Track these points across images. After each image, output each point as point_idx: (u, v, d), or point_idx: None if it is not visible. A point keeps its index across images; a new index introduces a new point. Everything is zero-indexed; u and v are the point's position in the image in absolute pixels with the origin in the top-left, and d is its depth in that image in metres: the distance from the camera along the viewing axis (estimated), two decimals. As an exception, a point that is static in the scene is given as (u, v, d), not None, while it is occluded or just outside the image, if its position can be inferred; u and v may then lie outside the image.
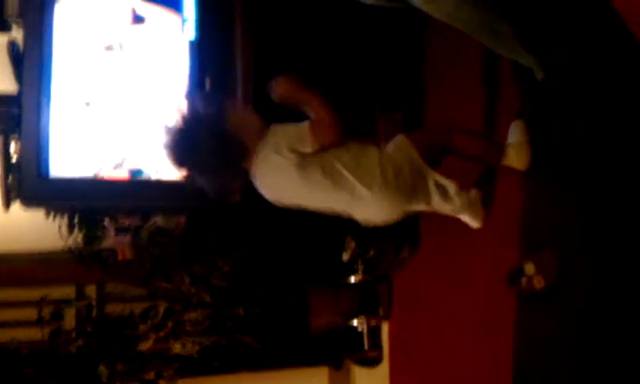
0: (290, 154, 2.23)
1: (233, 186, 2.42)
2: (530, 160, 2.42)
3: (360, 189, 2.26)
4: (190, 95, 2.97)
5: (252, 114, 2.37)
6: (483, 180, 2.64)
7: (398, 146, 2.34)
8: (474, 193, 2.49)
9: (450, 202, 2.39)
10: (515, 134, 2.45)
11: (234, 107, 2.46)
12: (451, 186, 2.38)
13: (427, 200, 2.38)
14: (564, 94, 2.06)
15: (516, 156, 2.42)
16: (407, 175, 2.29)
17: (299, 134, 2.25)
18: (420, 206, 2.39)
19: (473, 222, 2.54)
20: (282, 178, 2.29)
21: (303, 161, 2.24)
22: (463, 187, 2.42)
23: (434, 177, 2.35)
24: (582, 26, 1.95)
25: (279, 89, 2.33)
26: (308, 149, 2.24)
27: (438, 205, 2.40)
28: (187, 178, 2.43)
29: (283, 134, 2.28)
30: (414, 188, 2.33)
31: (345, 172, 2.26)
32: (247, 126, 2.29)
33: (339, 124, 2.27)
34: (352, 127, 2.35)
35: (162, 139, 2.32)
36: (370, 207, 2.30)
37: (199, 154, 2.26)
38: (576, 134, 2.12)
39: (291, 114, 2.34)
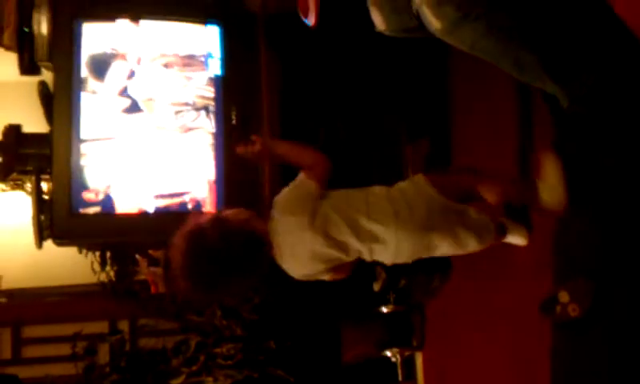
0: (298, 215, 2.14)
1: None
2: (567, 201, 2.28)
3: (374, 227, 2.17)
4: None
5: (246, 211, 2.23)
6: (516, 214, 2.57)
7: (413, 180, 2.27)
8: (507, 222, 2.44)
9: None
10: (549, 173, 2.30)
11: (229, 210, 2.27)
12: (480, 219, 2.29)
13: (453, 237, 2.25)
14: (590, 122, 2.02)
15: (551, 198, 2.29)
16: (423, 210, 2.19)
17: (295, 186, 2.19)
18: (444, 247, 2.27)
19: (518, 240, 2.45)
20: (297, 241, 2.17)
21: (314, 213, 2.15)
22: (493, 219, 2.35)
23: (458, 208, 2.25)
24: (607, 53, 1.92)
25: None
26: (312, 191, 2.16)
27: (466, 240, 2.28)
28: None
29: (286, 200, 2.20)
30: (433, 226, 2.21)
31: (356, 215, 2.17)
32: (251, 218, 2.17)
33: (326, 160, 2.21)
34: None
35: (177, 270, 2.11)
36: (389, 246, 2.20)
37: (229, 268, 2.09)
38: (605, 162, 2.08)
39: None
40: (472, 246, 2.30)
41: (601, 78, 1.91)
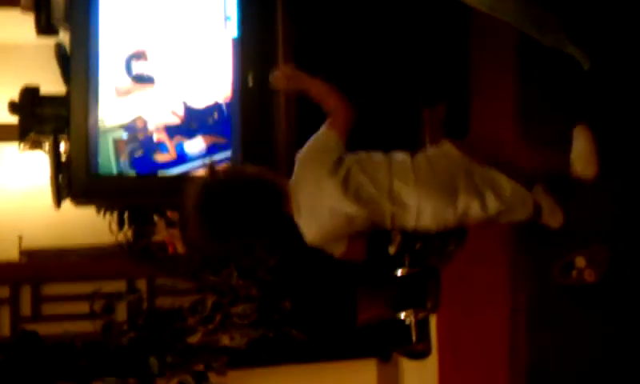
0: (317, 166, 2.13)
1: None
2: (598, 169, 2.28)
3: (396, 186, 2.16)
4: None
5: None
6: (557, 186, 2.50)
7: (439, 145, 2.25)
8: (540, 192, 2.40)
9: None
10: (580, 142, 2.29)
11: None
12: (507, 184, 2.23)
13: (480, 200, 2.21)
14: (612, 85, 2.00)
15: (583, 167, 2.28)
16: (445, 173, 2.17)
17: (317, 138, 2.16)
18: (473, 209, 2.22)
19: (552, 222, 2.44)
20: (316, 193, 2.15)
21: (335, 166, 2.14)
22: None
23: (486, 173, 2.21)
24: (628, 13, 1.89)
25: (279, 83, 2.28)
26: (332, 143, 2.14)
27: (495, 205, 2.22)
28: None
29: (306, 152, 2.18)
30: (457, 188, 2.18)
31: (378, 174, 2.16)
32: (268, 171, 2.15)
33: (349, 108, 2.18)
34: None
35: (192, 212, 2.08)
36: (411, 208, 2.18)
37: (242, 215, 2.05)
38: (623, 130, 2.06)
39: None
40: (501, 214, 2.25)
41: (623, 37, 1.88)
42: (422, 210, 2.18)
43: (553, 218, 2.43)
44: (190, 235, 2.12)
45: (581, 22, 1.89)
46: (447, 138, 2.26)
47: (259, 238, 2.20)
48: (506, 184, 2.22)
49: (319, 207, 2.14)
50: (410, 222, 2.22)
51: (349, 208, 2.13)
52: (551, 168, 2.37)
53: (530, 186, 2.33)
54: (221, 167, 2.21)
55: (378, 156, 2.21)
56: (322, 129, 2.18)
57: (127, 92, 2.98)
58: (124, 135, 2.96)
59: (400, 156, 2.22)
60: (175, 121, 3.02)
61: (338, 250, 2.24)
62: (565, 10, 1.87)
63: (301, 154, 2.18)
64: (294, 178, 2.15)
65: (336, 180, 2.12)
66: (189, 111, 3.03)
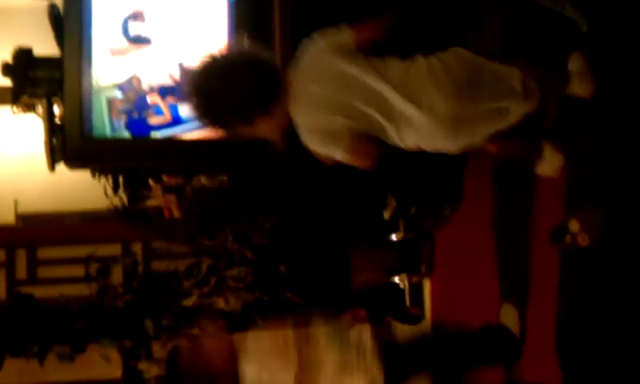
0: (328, 43, 2.10)
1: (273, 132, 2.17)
2: (595, 87, 2.35)
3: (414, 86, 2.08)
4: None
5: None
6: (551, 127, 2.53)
7: (451, 50, 2.18)
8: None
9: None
10: (576, 63, 2.37)
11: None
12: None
13: (495, 95, 2.14)
14: (610, 44, 1.99)
15: (580, 84, 2.36)
16: (461, 72, 2.10)
17: (336, 30, 2.14)
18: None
19: (550, 169, 2.44)
20: (319, 75, 2.09)
21: (345, 53, 2.08)
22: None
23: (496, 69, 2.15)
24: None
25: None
26: (345, 38, 2.10)
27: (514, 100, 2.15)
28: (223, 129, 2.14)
29: (315, 36, 2.15)
30: (472, 86, 2.11)
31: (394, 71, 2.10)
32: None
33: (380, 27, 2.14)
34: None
35: (188, 87, 2.09)
36: (422, 112, 2.09)
37: (234, 93, 2.01)
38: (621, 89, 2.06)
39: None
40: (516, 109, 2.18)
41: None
42: (434, 109, 2.09)
43: (584, 85, 2.40)
44: (189, 102, 2.07)
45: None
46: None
47: (254, 114, 2.08)
48: (517, 74, 2.17)
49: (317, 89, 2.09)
50: (421, 128, 2.12)
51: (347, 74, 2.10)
52: (550, 86, 2.33)
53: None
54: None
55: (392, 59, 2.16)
56: (343, 25, 2.15)
57: (123, 52, 2.96)
58: (118, 94, 2.95)
59: (419, 63, 2.15)
60: (170, 83, 3.01)
61: (340, 154, 2.14)
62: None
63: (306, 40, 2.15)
64: (294, 68, 2.13)
65: (339, 55, 2.09)
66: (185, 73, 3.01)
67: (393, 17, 2.20)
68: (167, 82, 3.00)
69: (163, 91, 2.99)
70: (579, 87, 2.37)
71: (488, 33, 2.77)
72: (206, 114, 2.07)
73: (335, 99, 2.08)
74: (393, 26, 2.18)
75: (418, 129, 2.09)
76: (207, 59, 2.08)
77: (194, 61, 2.17)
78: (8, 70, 2.94)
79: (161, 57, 3.00)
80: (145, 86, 2.98)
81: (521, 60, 2.22)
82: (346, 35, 2.12)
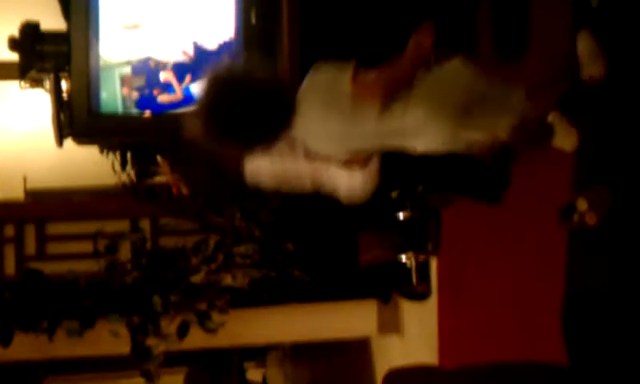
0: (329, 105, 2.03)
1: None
2: (607, 68, 2.32)
3: (410, 110, 2.04)
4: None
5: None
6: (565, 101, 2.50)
7: (450, 63, 2.14)
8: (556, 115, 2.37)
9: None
10: (585, 43, 2.34)
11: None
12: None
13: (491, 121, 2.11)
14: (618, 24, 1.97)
15: (591, 65, 2.33)
16: (458, 94, 2.07)
17: (339, 80, 2.04)
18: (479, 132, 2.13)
19: (566, 144, 2.41)
20: (326, 109, 2.07)
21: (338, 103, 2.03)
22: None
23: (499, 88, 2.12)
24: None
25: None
26: (343, 88, 2.03)
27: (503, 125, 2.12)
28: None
29: (325, 72, 2.09)
30: (468, 108, 2.08)
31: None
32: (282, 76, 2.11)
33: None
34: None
35: (195, 109, 2.02)
36: (422, 130, 2.07)
37: (245, 115, 1.95)
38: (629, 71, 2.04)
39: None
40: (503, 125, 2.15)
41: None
42: (423, 132, 2.07)
43: (595, 66, 2.37)
44: (196, 127, 2.02)
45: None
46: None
47: (264, 135, 2.05)
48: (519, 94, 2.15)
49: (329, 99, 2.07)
50: (413, 145, 2.12)
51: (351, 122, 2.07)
52: (561, 72, 2.37)
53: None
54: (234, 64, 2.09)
55: None
56: (350, 75, 2.04)
57: (135, 26, 2.94)
58: (131, 71, 2.94)
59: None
60: (184, 59, 2.99)
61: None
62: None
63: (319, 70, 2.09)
64: (302, 91, 2.08)
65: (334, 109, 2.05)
66: (199, 51, 2.99)
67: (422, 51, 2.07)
68: (181, 58, 2.98)
69: (177, 68, 2.98)
70: (590, 68, 2.34)
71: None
72: (214, 139, 2.02)
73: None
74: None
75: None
76: (218, 82, 2.00)
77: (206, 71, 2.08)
78: (15, 44, 2.94)
79: (174, 33, 2.98)
80: (158, 62, 2.97)
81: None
82: (345, 81, 2.05)
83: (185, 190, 3.52)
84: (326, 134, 2.09)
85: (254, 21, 2.97)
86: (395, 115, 2.05)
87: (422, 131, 2.08)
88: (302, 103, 2.06)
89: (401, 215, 3.48)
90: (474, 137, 2.14)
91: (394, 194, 3.42)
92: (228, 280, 3.44)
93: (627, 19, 2.22)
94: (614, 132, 2.38)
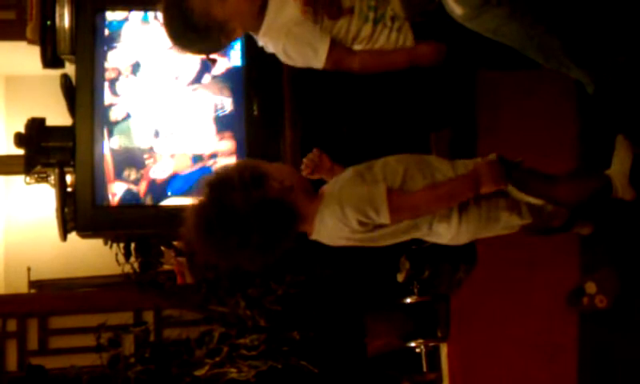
0: (357, 226, 1.88)
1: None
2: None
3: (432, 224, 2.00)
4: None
5: (296, 174, 1.96)
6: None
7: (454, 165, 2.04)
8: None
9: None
10: (620, 159, 2.10)
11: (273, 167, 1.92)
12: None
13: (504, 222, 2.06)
14: (617, 108, 1.98)
15: (625, 186, 2.08)
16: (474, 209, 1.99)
17: (371, 199, 1.86)
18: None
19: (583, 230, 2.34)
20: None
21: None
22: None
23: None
24: (634, 37, 1.87)
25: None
26: (383, 220, 1.87)
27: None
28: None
29: (349, 196, 1.88)
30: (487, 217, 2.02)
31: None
32: (297, 190, 1.87)
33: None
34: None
35: (190, 225, 1.81)
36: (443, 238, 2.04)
37: (244, 233, 1.78)
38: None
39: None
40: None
41: (629, 61, 1.86)
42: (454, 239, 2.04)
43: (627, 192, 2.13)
44: (192, 245, 1.87)
45: (585, 44, 1.88)
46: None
47: (265, 259, 1.90)
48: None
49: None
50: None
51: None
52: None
53: None
54: (239, 168, 1.85)
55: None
56: (384, 192, 1.86)
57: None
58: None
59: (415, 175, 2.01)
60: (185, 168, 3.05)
61: None
62: (569, 31, 1.85)
63: (343, 193, 1.91)
64: (321, 211, 1.91)
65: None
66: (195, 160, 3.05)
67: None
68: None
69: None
70: (625, 191, 2.10)
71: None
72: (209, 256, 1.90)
73: None
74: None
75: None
76: (212, 206, 1.80)
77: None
78: (21, 140, 2.98)
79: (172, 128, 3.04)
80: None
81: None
82: (384, 218, 1.88)
83: (189, 279, 3.49)
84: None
85: (256, 112, 3.01)
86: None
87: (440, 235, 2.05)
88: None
89: (408, 300, 3.44)
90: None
91: (400, 278, 3.39)
92: (233, 373, 3.37)
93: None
94: (617, 214, 2.36)
